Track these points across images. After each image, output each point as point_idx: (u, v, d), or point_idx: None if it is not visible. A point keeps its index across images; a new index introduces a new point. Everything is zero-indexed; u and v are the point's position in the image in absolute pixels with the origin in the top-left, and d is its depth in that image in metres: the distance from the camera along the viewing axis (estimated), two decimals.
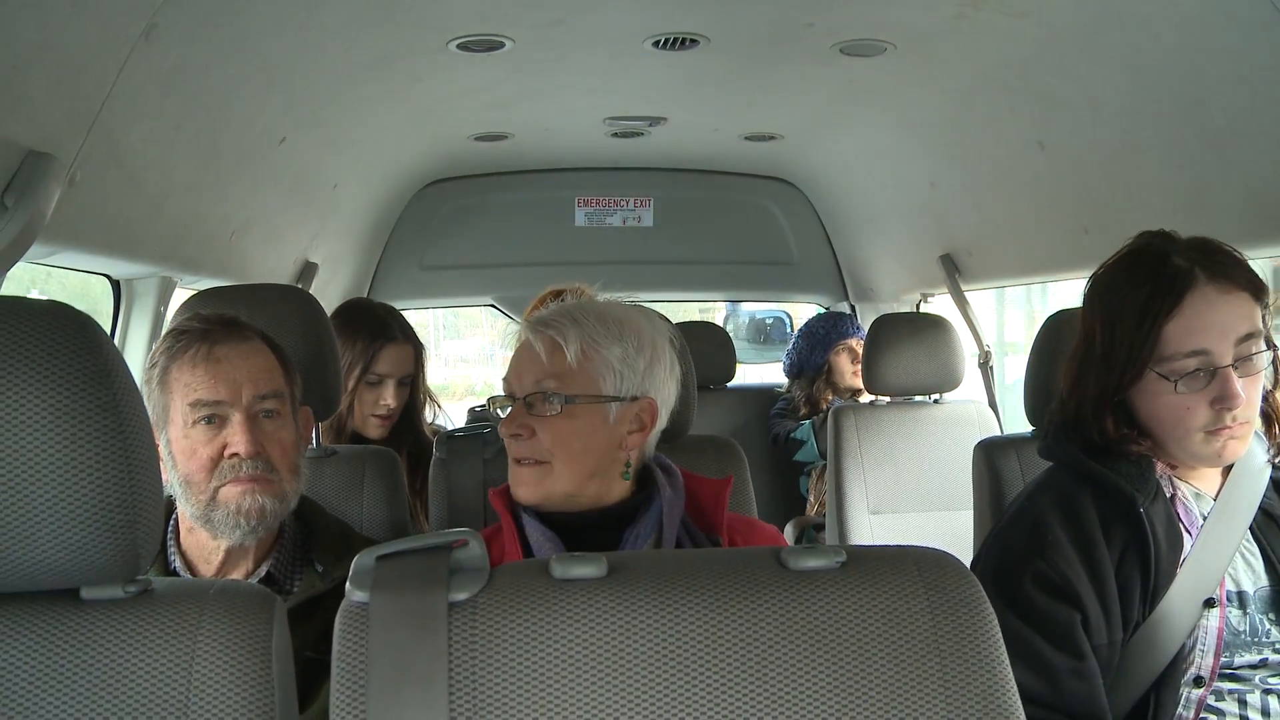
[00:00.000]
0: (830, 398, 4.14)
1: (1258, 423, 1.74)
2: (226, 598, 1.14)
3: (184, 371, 1.67)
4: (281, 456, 1.72)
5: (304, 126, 2.89)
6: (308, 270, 3.54)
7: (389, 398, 2.78)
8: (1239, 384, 1.63)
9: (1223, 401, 1.63)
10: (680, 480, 1.78)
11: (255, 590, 1.17)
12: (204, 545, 1.72)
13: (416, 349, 2.87)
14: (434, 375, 3.94)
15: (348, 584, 1.07)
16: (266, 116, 2.66)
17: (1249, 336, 1.64)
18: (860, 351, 4.07)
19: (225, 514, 1.67)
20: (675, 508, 1.73)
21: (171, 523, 1.75)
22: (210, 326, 1.71)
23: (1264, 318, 1.68)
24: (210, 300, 2.12)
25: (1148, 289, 1.65)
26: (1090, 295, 1.78)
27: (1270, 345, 1.68)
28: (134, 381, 1.12)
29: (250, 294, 2.20)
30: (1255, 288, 1.66)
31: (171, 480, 1.68)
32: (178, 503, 1.71)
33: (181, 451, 1.67)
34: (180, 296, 2.53)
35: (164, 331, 1.74)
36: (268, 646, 1.11)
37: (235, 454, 1.67)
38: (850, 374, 4.13)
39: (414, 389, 2.88)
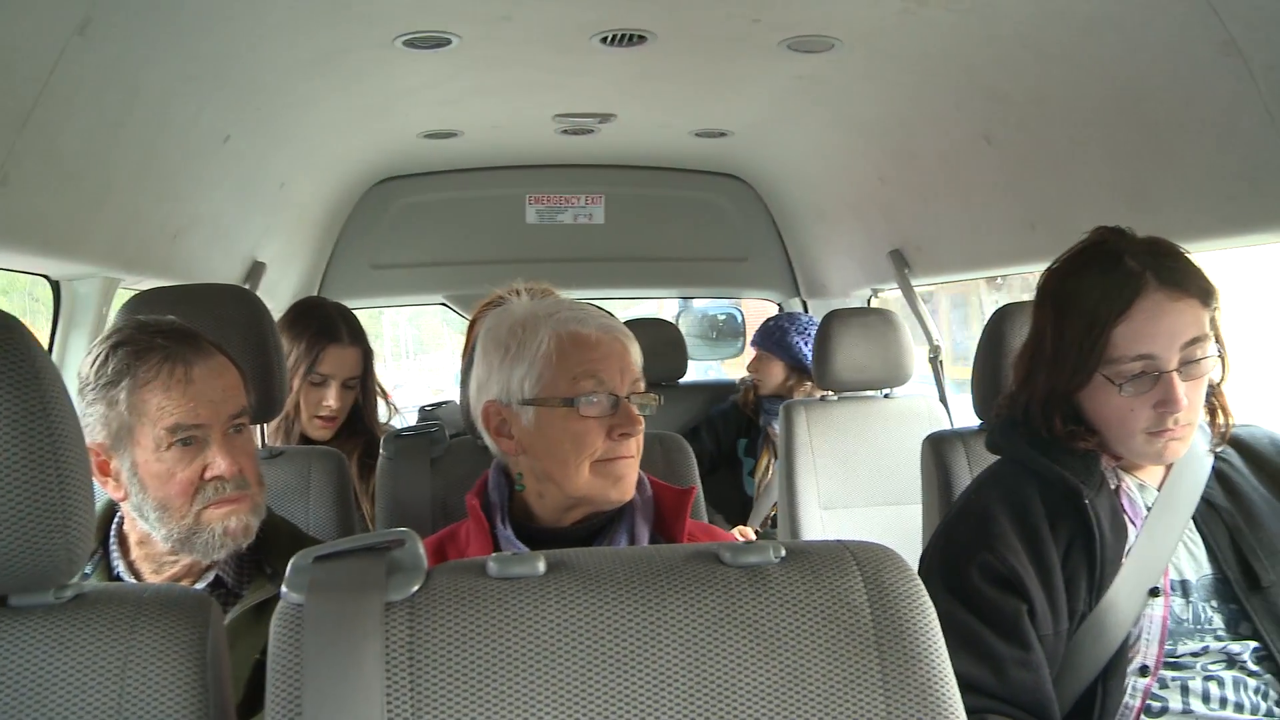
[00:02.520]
0: (752, 398, 4.16)
1: (1202, 416, 1.77)
2: (161, 603, 1.12)
3: (155, 394, 1.61)
4: (251, 469, 1.70)
5: (249, 124, 2.85)
6: (256, 270, 3.50)
7: (331, 399, 2.76)
8: (1182, 388, 1.66)
9: (1165, 406, 1.67)
10: (648, 488, 1.77)
11: (191, 594, 1.15)
12: (159, 557, 1.68)
13: (364, 351, 2.85)
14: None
15: (283, 586, 1.05)
16: (209, 114, 2.62)
17: (1195, 341, 1.68)
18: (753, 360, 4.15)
19: (211, 536, 1.64)
20: (645, 519, 1.73)
21: (114, 529, 1.72)
22: (172, 344, 1.65)
23: (1212, 320, 1.71)
24: (153, 301, 2.08)
25: (1098, 292, 1.68)
26: (1043, 292, 1.81)
27: (1219, 344, 1.71)
28: (64, 384, 1.10)
29: (193, 294, 2.17)
30: (1205, 294, 1.70)
31: (137, 503, 1.63)
32: (140, 522, 1.66)
33: (155, 475, 1.62)
34: (124, 297, 2.49)
35: (107, 338, 1.66)
36: (203, 651, 1.09)
37: (218, 476, 1.64)
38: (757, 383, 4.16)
39: (364, 391, 2.85)
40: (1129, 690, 1.68)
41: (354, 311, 2.97)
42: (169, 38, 2.15)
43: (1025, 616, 1.68)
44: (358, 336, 2.85)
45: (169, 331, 1.67)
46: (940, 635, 1.11)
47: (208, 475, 1.64)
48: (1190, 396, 1.68)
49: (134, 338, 1.65)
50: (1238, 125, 1.95)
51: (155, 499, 1.62)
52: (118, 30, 1.95)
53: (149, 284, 2.69)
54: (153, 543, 1.67)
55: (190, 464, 1.63)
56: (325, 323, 2.81)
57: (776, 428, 3.72)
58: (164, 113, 2.39)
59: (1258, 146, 1.92)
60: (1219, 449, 1.82)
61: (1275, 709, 1.67)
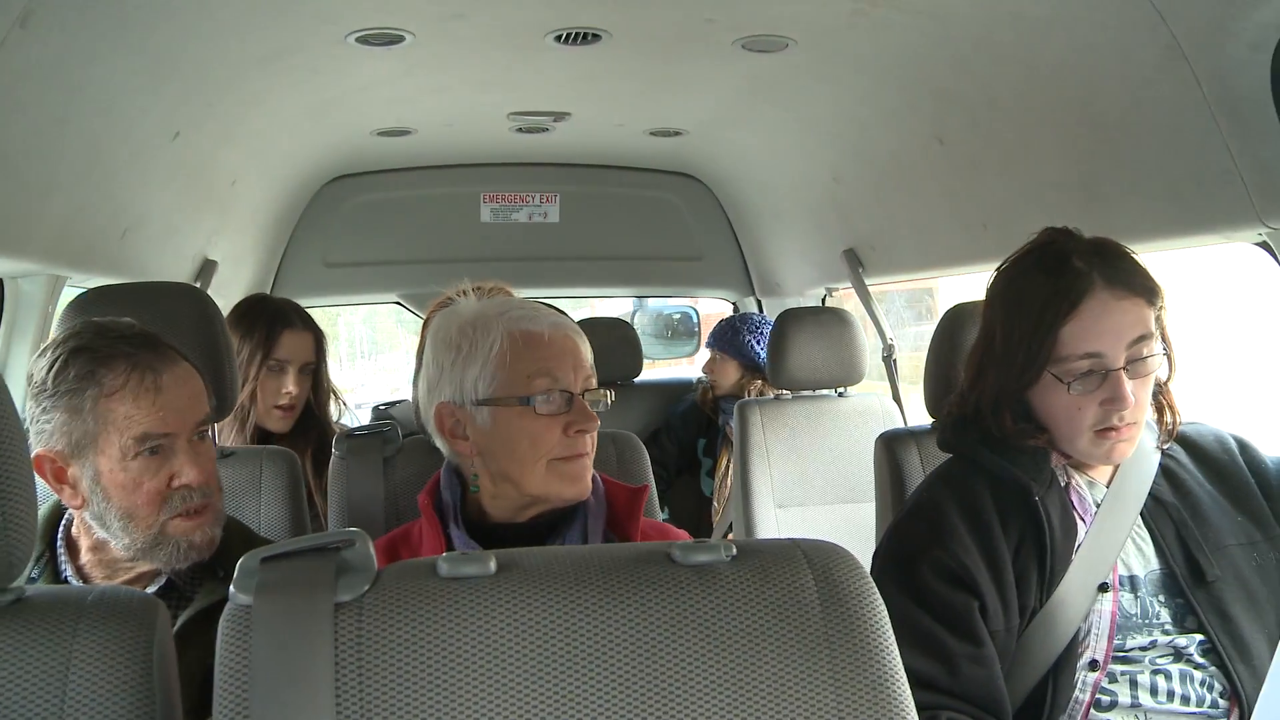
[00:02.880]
0: (710, 398, 4.17)
1: (1150, 414, 1.80)
2: (104, 606, 1.09)
3: (123, 403, 1.57)
4: (214, 476, 1.68)
5: (198, 121, 2.81)
6: (207, 268, 3.46)
7: (291, 384, 2.75)
8: (1129, 386, 1.69)
9: (1112, 403, 1.70)
10: (601, 487, 1.77)
11: (136, 597, 1.13)
12: (113, 563, 1.65)
13: (317, 336, 2.84)
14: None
15: (231, 587, 1.04)
16: (158, 110, 2.58)
17: (1141, 339, 1.71)
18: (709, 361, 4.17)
19: (176, 549, 1.61)
20: (599, 517, 1.73)
21: (61, 532, 1.68)
22: (138, 350, 1.61)
23: (1157, 319, 1.73)
24: (101, 299, 2.05)
25: (1046, 292, 1.71)
26: (992, 292, 1.83)
27: (1164, 343, 1.74)
28: (4, 383, 1.07)
29: (143, 293, 2.13)
30: (1149, 293, 1.73)
31: (99, 513, 1.59)
32: (100, 532, 1.62)
33: (121, 485, 1.59)
34: (70, 295, 2.45)
35: (64, 342, 1.61)
36: (148, 655, 1.07)
37: (186, 485, 1.61)
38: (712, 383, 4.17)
39: (317, 380, 2.83)
40: (1079, 685, 1.71)
41: (309, 310, 2.95)
42: (115, 32, 2.11)
43: (977, 613, 1.70)
44: (310, 323, 2.86)
45: (132, 337, 1.63)
46: (891, 632, 1.11)
47: (175, 484, 1.61)
48: (1137, 395, 1.71)
49: (95, 343, 1.60)
50: (1183, 128, 1.98)
51: (120, 508, 1.59)
52: (61, 23, 1.91)
53: (96, 282, 2.64)
54: (108, 549, 1.64)
55: (157, 473, 1.60)
56: (277, 311, 2.82)
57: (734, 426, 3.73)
58: (110, 108, 2.35)
59: (1202, 149, 1.95)
60: (1166, 446, 1.85)
61: (1220, 700, 1.70)
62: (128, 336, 1.62)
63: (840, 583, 1.12)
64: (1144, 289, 1.72)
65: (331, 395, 2.93)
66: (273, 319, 2.77)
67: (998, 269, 1.84)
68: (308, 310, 2.95)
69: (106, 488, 1.59)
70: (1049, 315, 1.70)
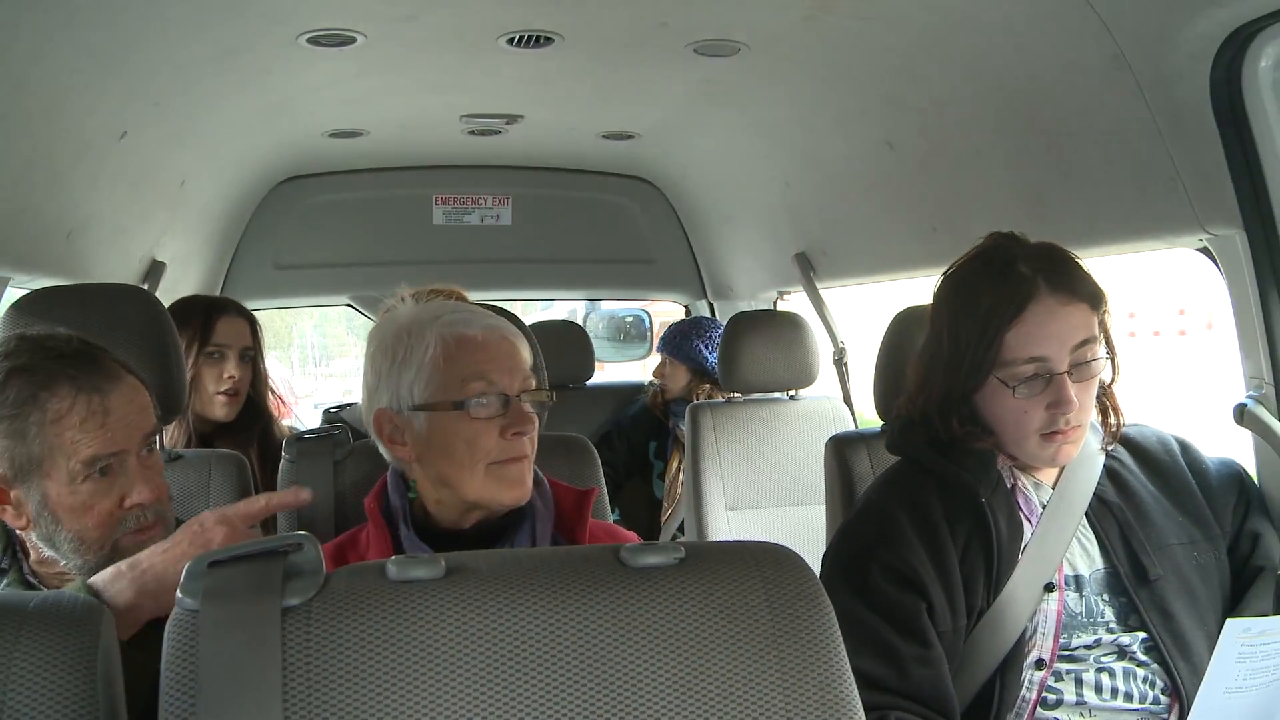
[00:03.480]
0: (661, 401, 4.18)
1: (1095, 415, 1.83)
2: (47, 612, 1.07)
3: (70, 428, 1.52)
4: (164, 488, 1.64)
5: (147, 120, 2.78)
6: (155, 269, 3.41)
7: (232, 368, 2.74)
8: (1073, 390, 1.72)
9: (1057, 406, 1.72)
10: (548, 489, 1.77)
11: (80, 602, 1.11)
12: (59, 575, 1.60)
13: (252, 323, 2.86)
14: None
15: (178, 592, 1.02)
16: (105, 109, 2.54)
17: (1085, 343, 1.73)
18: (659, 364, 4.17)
19: None
20: (546, 520, 1.73)
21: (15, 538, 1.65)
22: (81, 372, 1.55)
23: (1101, 323, 1.76)
24: (46, 301, 2.01)
25: (991, 297, 1.73)
26: (939, 296, 1.85)
27: (1109, 347, 1.77)
28: None
29: (89, 294, 2.10)
30: (1093, 298, 1.76)
31: (46, 534, 1.54)
32: (48, 552, 1.57)
33: (71, 509, 1.53)
34: (14, 296, 2.40)
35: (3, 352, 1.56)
36: (92, 662, 1.05)
37: (138, 504, 1.57)
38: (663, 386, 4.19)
39: (256, 369, 2.84)
40: (1026, 683, 1.73)
41: (260, 314, 2.95)
42: (60, 29, 2.08)
43: (925, 614, 1.71)
44: (244, 311, 2.88)
45: (73, 356, 1.56)
46: (839, 633, 1.12)
47: (127, 504, 1.57)
48: (1081, 398, 1.73)
49: (34, 363, 1.53)
50: (1127, 135, 2.01)
51: (71, 531, 1.54)
52: (4, 19, 1.88)
53: (41, 283, 2.60)
54: (54, 562, 1.59)
55: (108, 494, 1.55)
56: (210, 301, 2.86)
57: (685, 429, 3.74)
58: (55, 107, 2.31)
59: (1145, 157, 1.99)
60: (1110, 448, 1.87)
61: (1161, 697, 1.73)
62: (69, 355, 1.56)
63: (787, 585, 1.12)
64: (1088, 294, 1.75)
65: (271, 392, 2.92)
66: (208, 307, 2.80)
67: (944, 273, 1.86)
68: (256, 313, 2.94)
69: (55, 511, 1.54)
70: (994, 320, 1.72)
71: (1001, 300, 1.72)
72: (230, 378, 2.74)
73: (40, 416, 1.51)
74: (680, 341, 4.11)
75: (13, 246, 2.44)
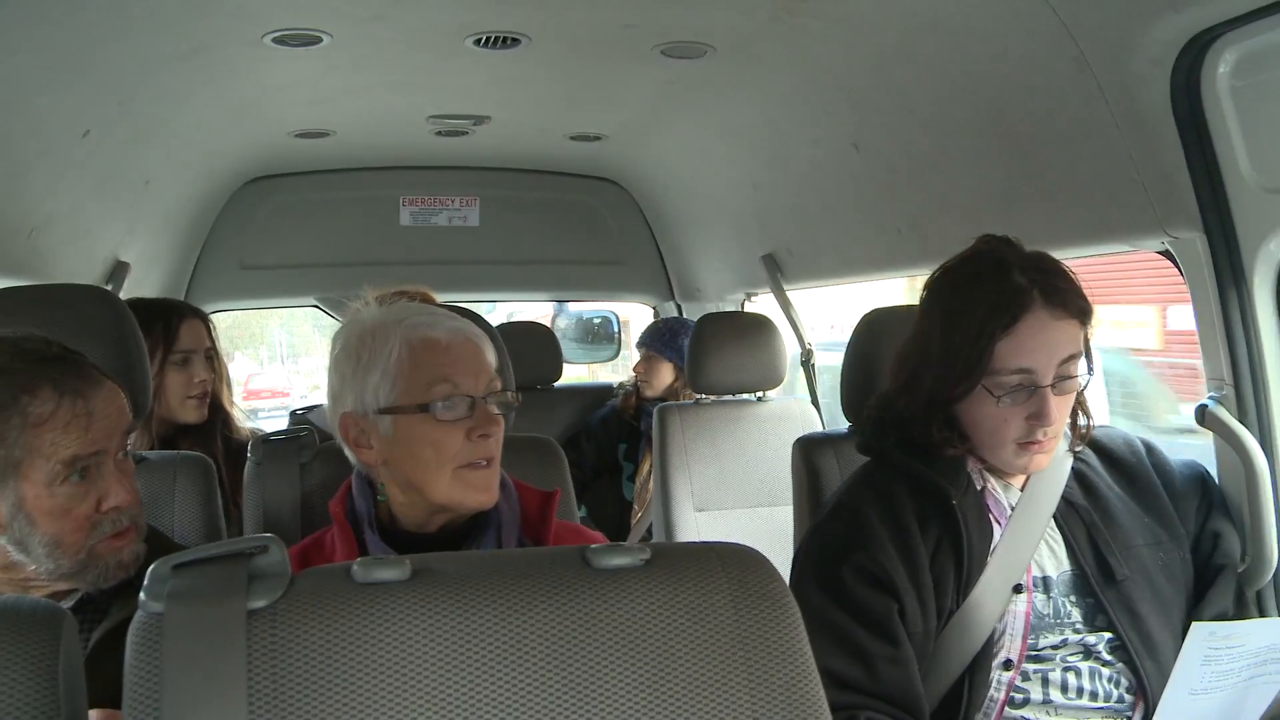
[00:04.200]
0: (632, 404, 4.18)
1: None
2: (6, 617, 1.05)
3: (52, 431, 1.50)
4: (136, 493, 1.62)
5: (110, 119, 2.75)
6: (119, 270, 3.38)
7: (201, 372, 2.75)
8: (1054, 404, 1.73)
9: (1037, 419, 1.73)
10: (513, 492, 1.76)
11: (39, 606, 1.09)
12: (26, 581, 1.57)
13: (205, 321, 2.88)
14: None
15: (141, 594, 1.01)
16: (67, 107, 2.51)
17: (1070, 358, 1.75)
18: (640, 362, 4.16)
19: (105, 568, 1.56)
20: (512, 523, 1.72)
21: None
22: (63, 376, 1.53)
23: (1085, 336, 1.78)
24: (7, 302, 1.99)
25: (986, 305, 1.73)
26: (929, 298, 1.84)
27: (1089, 360, 1.79)
28: None
29: (51, 295, 2.07)
30: (1084, 314, 1.76)
31: (19, 538, 1.52)
32: (19, 557, 1.54)
33: (48, 512, 1.51)
34: None
35: None
36: (53, 667, 1.03)
37: (115, 507, 1.55)
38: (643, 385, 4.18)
39: (212, 364, 2.84)
40: (994, 683, 1.74)
41: (231, 314, 2.95)
42: (22, 25, 2.06)
43: (895, 615, 1.72)
44: (199, 312, 2.90)
45: (54, 360, 1.55)
46: (805, 634, 1.12)
47: (104, 507, 1.55)
48: (1060, 410, 1.75)
49: (14, 365, 1.52)
50: (1090, 138, 2.03)
51: (46, 534, 1.52)
52: None
53: (3, 283, 2.57)
54: (21, 569, 1.56)
55: (86, 497, 1.54)
56: (166, 305, 2.85)
57: None
58: (16, 104, 2.28)
59: (1109, 160, 2.01)
60: (1078, 450, 1.89)
61: (1126, 696, 1.75)
62: (49, 359, 1.55)
63: (753, 586, 1.12)
64: (1079, 310, 1.75)
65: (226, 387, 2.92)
66: (168, 312, 2.79)
67: (937, 272, 1.85)
68: (223, 314, 2.94)
69: (32, 514, 1.52)
70: (988, 328, 1.72)
71: (996, 309, 1.72)
72: (201, 381, 2.74)
73: (20, 420, 1.49)
74: (670, 339, 4.09)
75: None
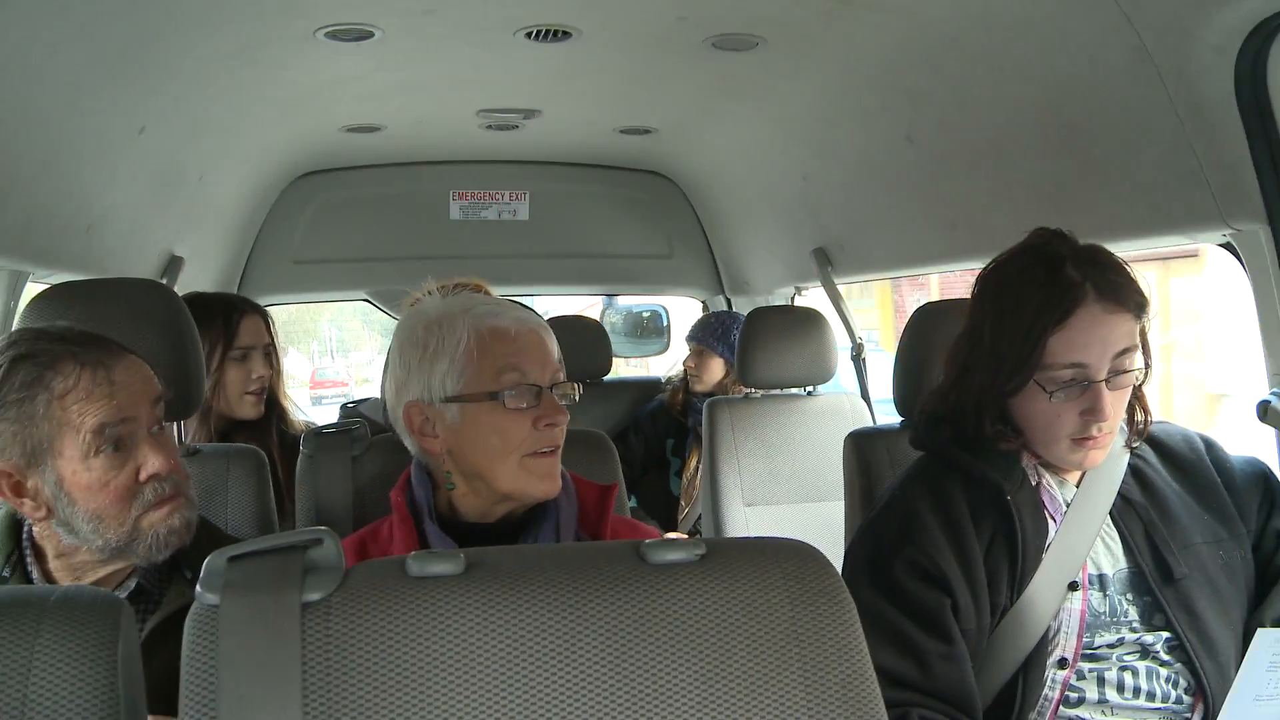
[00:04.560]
0: (680, 399, 4.16)
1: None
2: (68, 605, 1.07)
3: (78, 400, 1.53)
4: (178, 463, 1.64)
5: (165, 115, 2.78)
6: (173, 264, 3.42)
7: (260, 368, 2.75)
8: (1109, 399, 1.70)
9: (1091, 414, 1.70)
10: (571, 485, 1.77)
11: (100, 596, 1.11)
12: (81, 566, 1.61)
13: (265, 316, 2.86)
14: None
15: (198, 586, 1.02)
16: (124, 104, 2.55)
17: (1125, 352, 1.71)
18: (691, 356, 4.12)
19: (153, 540, 1.58)
20: (570, 515, 1.72)
21: (26, 535, 1.65)
22: (83, 349, 1.57)
23: (1141, 330, 1.74)
24: (65, 295, 2.02)
25: (1038, 299, 1.70)
26: (981, 292, 1.82)
27: (1146, 354, 1.76)
28: None
29: (108, 289, 2.10)
30: (1139, 307, 1.73)
31: (65, 518, 1.55)
32: (69, 538, 1.58)
33: (86, 486, 1.54)
34: (34, 291, 2.41)
35: (3, 351, 1.57)
36: (113, 655, 1.05)
37: (154, 475, 1.58)
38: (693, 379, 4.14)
39: (271, 360, 2.84)
40: (1048, 682, 1.72)
41: (285, 309, 2.96)
42: (77, 24, 2.09)
43: (949, 611, 1.70)
44: (258, 308, 2.88)
45: (74, 337, 1.59)
46: (861, 631, 1.11)
47: (143, 476, 1.58)
48: (1115, 405, 1.72)
49: (36, 348, 1.56)
50: (1150, 129, 1.99)
51: (88, 510, 1.55)
52: (22, 13, 1.89)
53: (60, 278, 2.61)
54: (76, 552, 1.60)
55: (123, 468, 1.56)
56: (226, 301, 2.83)
57: None
58: (74, 102, 2.32)
59: (1168, 150, 1.97)
60: (1135, 446, 1.86)
61: (1185, 696, 1.72)
62: (69, 337, 1.59)
63: (810, 582, 1.11)
64: (1134, 303, 1.72)
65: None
66: (228, 308, 2.78)
67: (989, 267, 1.83)
68: (276, 308, 2.95)
69: (71, 492, 1.55)
70: (1040, 323, 1.69)
71: (1048, 303, 1.69)
72: (260, 377, 2.75)
73: (46, 396, 1.53)
74: (722, 334, 4.07)
75: (33, 241, 2.45)
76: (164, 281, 3.26)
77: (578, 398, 1.75)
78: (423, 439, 1.71)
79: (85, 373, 1.54)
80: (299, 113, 3.38)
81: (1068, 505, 1.79)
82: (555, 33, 2.62)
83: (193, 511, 1.65)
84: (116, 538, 1.57)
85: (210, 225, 3.74)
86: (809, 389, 3.62)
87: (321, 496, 2.12)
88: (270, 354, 2.83)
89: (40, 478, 1.54)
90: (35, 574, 1.62)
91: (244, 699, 0.97)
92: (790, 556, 1.14)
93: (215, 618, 1.01)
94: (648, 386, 4.51)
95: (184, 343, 2.04)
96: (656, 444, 4.17)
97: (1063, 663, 1.72)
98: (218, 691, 0.97)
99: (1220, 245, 2.05)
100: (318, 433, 2.21)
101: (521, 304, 2.05)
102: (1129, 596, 1.75)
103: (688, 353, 4.19)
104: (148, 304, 2.03)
